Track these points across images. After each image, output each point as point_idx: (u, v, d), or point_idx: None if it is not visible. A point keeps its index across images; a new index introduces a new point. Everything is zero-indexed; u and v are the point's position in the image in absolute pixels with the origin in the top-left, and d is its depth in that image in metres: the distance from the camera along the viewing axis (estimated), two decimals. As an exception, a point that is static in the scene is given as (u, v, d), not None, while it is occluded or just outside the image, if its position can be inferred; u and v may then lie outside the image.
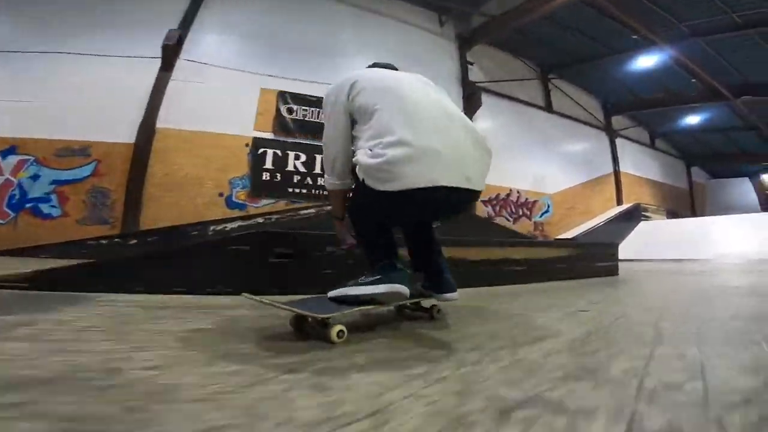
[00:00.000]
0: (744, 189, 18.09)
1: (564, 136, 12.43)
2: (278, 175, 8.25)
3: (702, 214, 15.36)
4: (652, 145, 16.09)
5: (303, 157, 8.48)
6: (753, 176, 17.90)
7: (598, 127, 13.74)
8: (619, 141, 14.19)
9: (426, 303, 1.69)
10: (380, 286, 1.36)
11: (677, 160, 17.41)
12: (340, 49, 9.23)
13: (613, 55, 10.84)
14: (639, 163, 14.94)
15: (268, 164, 8.21)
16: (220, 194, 7.76)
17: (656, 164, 15.96)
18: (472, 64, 10.85)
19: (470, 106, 10.25)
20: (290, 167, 8.36)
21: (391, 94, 1.45)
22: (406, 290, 1.38)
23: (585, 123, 13.27)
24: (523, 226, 10.50)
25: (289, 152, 8.39)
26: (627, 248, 11.03)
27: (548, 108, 12.34)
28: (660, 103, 12.91)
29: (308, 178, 8.42)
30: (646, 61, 10.29)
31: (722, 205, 16.78)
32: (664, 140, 16.72)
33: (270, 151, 8.25)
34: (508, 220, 10.25)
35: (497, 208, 10.15)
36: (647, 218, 12.65)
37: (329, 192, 1.66)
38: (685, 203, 16.78)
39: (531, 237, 8.45)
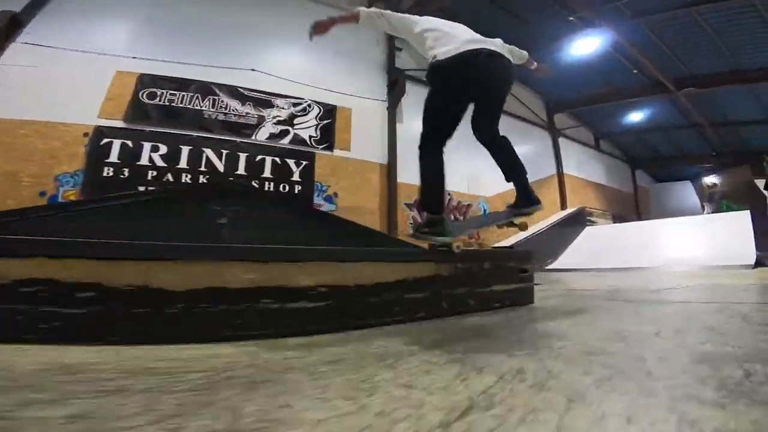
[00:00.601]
0: (687, 193, 17.76)
1: (503, 133, 11.13)
2: (126, 170, 6.37)
3: (647, 219, 14.63)
4: (596, 147, 15.32)
5: (163, 149, 6.62)
6: (694, 179, 17.61)
7: (540, 126, 12.66)
8: (562, 141, 13.20)
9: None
10: (434, 237, 2.04)
11: (622, 163, 16.81)
12: (245, 31, 7.77)
13: (553, 42, 9.69)
14: (584, 165, 14.01)
15: (113, 157, 6.38)
16: (42, 194, 6.05)
17: (601, 167, 15.18)
18: (400, 50, 9.52)
19: (394, 93, 8.81)
20: (144, 161, 6.49)
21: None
22: (447, 240, 2.07)
23: (526, 120, 12.12)
24: (456, 234, 8.98)
25: (144, 143, 6.58)
26: (571, 256, 9.84)
27: (485, 102, 11.03)
28: (603, 98, 12.00)
29: (169, 174, 6.52)
30: (586, 45, 9.18)
31: (666, 209, 16.23)
32: (609, 141, 16.04)
33: (117, 142, 6.46)
34: (437, 227, 8.68)
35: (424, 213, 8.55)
36: (593, 223, 11.56)
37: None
38: (630, 207, 16.11)
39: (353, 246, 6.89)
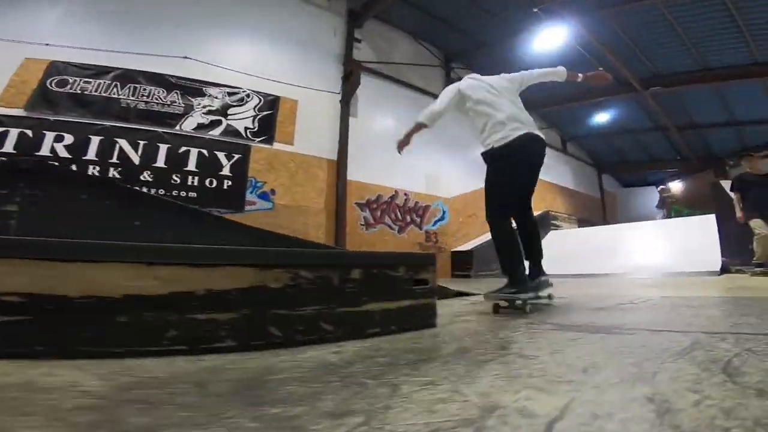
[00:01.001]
0: (654, 198, 17.67)
1: (467, 132, 10.56)
2: (21, 161, 5.43)
3: (614, 224, 14.37)
4: (564, 150, 15.01)
5: (69, 139, 5.79)
6: (659, 184, 17.56)
7: (508, 127, 12.18)
8: (529, 143, 12.79)
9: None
10: (521, 294, 2.21)
11: (589, 167, 16.57)
12: (181, 17, 6.85)
13: (518, 36, 9.21)
14: (551, 168, 13.63)
15: (8, 147, 5.54)
16: None
17: (568, 170, 14.87)
18: (359, 41, 8.90)
19: (348, 86, 8.14)
20: (45, 151, 5.63)
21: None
22: (530, 296, 2.26)
23: (493, 121, 11.63)
24: (413, 236, 8.33)
25: (46, 132, 5.76)
26: (535, 262, 9.36)
27: (449, 100, 10.49)
28: (569, 98, 11.63)
29: (74, 166, 5.68)
30: (550, 38, 8.69)
31: (633, 214, 16.02)
32: (576, 144, 15.78)
33: (14, 131, 5.69)
34: (392, 229, 7.99)
35: (378, 212, 7.86)
36: (557, 227, 11.13)
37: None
38: (597, 212, 15.85)
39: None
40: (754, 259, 5.11)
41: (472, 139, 10.09)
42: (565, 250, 9.22)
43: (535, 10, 8.18)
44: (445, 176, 9.38)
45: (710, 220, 6.86)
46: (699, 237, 6.83)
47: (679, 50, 8.90)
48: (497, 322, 1.90)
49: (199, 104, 6.61)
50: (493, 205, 2.48)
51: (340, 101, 7.97)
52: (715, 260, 6.11)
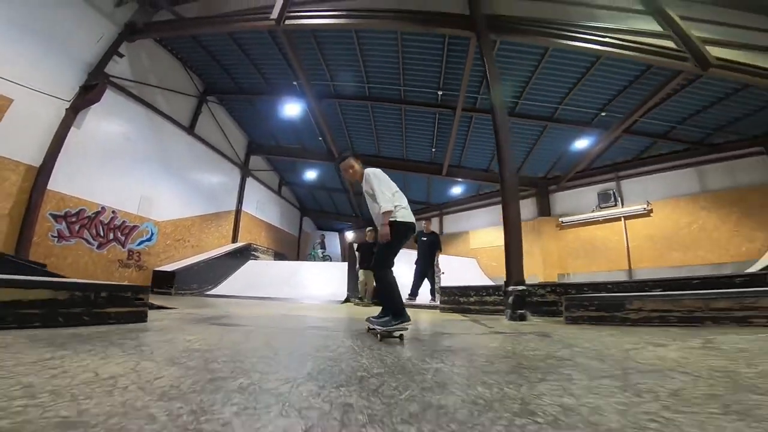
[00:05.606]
0: (336, 242, 23.21)
1: (197, 162, 11.56)
2: None
3: (305, 260, 18.11)
4: (278, 192, 17.84)
5: None
6: (341, 232, 23.30)
7: (235, 163, 13.75)
8: (250, 181, 14.75)
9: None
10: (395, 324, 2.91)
11: (295, 209, 20.14)
12: None
13: (272, 96, 11.27)
14: (263, 206, 16.02)
15: None
16: None
17: (277, 209, 17.69)
18: (121, 56, 8.57)
19: (85, 97, 7.71)
20: None
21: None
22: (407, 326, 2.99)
23: (223, 155, 12.98)
24: (114, 253, 8.46)
25: None
26: (231, 284, 11.09)
27: (191, 129, 11.25)
28: (293, 153, 14.48)
29: None
30: (293, 109, 11.17)
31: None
32: (289, 189, 19.04)
33: None
34: (91, 244, 7.94)
35: (76, 226, 7.67)
36: (256, 257, 13.36)
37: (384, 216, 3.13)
38: (293, 248, 19.37)
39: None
40: (358, 294, 8.56)
41: (194, 168, 11.08)
42: (257, 278, 11.41)
43: (295, 83, 10.46)
44: (162, 200, 9.98)
45: (344, 265, 10.54)
46: (337, 276, 10.37)
47: (368, 138, 12.98)
48: (184, 322, 3.45)
49: None
50: (389, 263, 3.13)
51: (67, 109, 7.50)
52: (344, 293, 9.55)
